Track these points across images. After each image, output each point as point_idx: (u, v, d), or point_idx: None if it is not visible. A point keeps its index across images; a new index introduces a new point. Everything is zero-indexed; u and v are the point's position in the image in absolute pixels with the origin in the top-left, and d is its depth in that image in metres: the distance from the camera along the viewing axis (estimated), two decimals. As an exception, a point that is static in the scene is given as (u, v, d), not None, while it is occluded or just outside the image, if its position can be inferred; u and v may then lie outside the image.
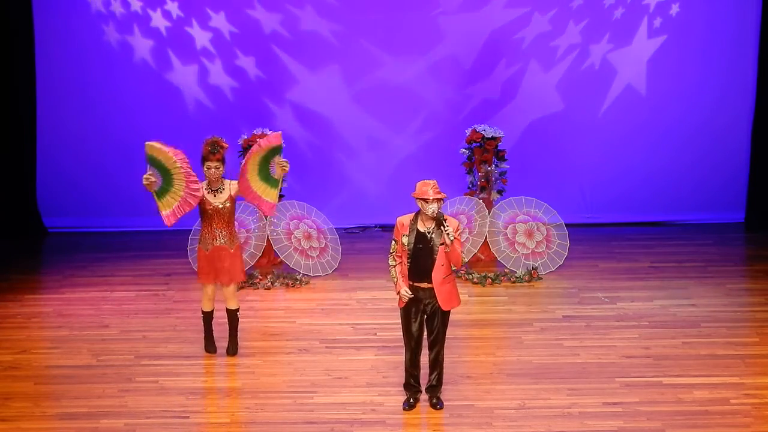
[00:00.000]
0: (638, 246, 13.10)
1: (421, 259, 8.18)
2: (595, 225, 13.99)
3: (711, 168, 14.02)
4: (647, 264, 12.33)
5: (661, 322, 10.35)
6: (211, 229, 9.31)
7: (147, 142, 9.25)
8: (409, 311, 8.30)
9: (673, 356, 9.43)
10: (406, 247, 8.19)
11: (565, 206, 12.87)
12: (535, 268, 11.90)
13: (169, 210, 9.12)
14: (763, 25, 13.55)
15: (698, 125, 13.97)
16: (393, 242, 8.29)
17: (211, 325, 9.65)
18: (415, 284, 8.22)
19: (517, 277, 11.76)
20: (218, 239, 9.32)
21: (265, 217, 12.07)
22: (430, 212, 8.13)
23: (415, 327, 8.32)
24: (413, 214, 8.28)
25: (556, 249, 12.15)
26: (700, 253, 12.78)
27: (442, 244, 8.15)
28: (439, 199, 8.14)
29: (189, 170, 9.12)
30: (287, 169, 9.24)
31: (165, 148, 9.13)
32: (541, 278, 11.83)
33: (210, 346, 9.64)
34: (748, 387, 8.73)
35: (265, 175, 9.27)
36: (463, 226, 12.23)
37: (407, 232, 8.20)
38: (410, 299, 8.25)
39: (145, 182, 9.13)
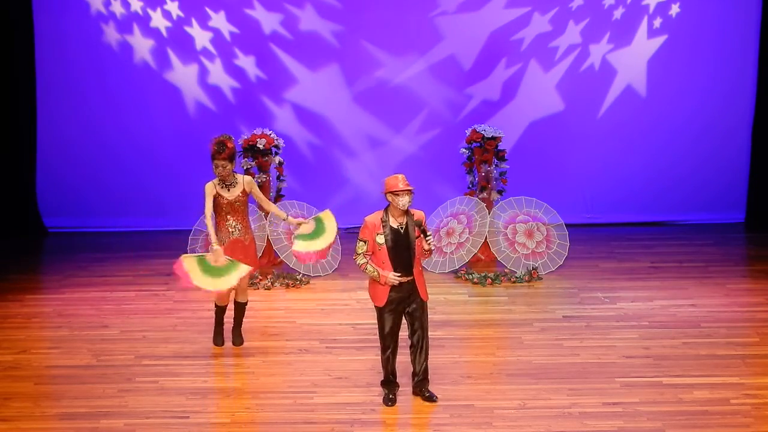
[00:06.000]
0: (638, 246, 13.10)
1: (399, 254, 8.17)
2: (595, 225, 14.00)
3: (711, 168, 14.03)
4: (647, 264, 12.34)
5: (661, 322, 10.34)
6: (225, 223, 9.36)
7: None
8: (390, 309, 8.27)
9: (673, 356, 9.42)
10: (383, 245, 8.16)
11: (565, 206, 12.87)
12: (535, 268, 11.90)
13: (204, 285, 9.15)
14: (764, 25, 13.57)
15: (698, 125, 13.98)
16: (361, 243, 8.20)
17: (223, 318, 9.73)
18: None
19: (517, 277, 11.76)
20: (234, 233, 9.37)
21: (265, 217, 12.08)
22: (401, 205, 8.11)
23: (395, 325, 8.31)
24: (381, 212, 8.24)
25: (556, 249, 12.15)
26: (701, 253, 12.79)
27: (417, 237, 8.16)
28: (409, 191, 8.13)
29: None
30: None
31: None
32: (541, 278, 11.83)
33: (218, 340, 9.74)
34: (748, 387, 8.73)
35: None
36: (463, 226, 12.24)
37: (380, 231, 8.17)
38: (391, 297, 8.23)
39: (214, 253, 9.12)
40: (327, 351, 9.68)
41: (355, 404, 8.50)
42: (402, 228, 8.18)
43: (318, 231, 9.32)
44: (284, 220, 9.57)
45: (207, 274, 9.08)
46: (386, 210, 8.22)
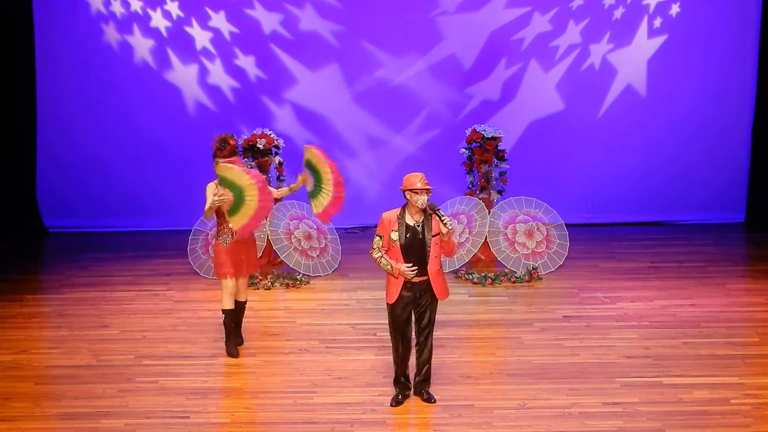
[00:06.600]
0: (638, 246, 13.10)
1: (413, 252, 8.18)
2: (595, 225, 13.99)
3: (711, 168, 14.03)
4: (647, 264, 12.34)
5: (661, 322, 10.34)
6: (227, 223, 9.29)
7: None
8: (400, 308, 8.28)
9: (673, 356, 9.42)
10: (396, 242, 8.17)
11: (565, 206, 12.87)
12: (535, 268, 11.90)
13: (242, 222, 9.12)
14: (764, 25, 13.56)
15: (698, 125, 13.98)
16: (377, 238, 8.24)
17: (232, 326, 9.55)
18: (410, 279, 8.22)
19: (517, 277, 11.76)
20: (235, 233, 9.30)
21: (265, 218, 12.08)
22: (419, 203, 8.14)
23: (405, 324, 8.33)
24: (399, 209, 8.26)
25: (556, 249, 12.15)
26: (700, 253, 12.79)
27: (435, 236, 8.17)
28: (427, 190, 8.16)
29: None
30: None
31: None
32: (541, 278, 11.83)
33: (232, 350, 9.52)
34: (748, 387, 8.73)
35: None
36: (463, 226, 12.24)
37: (395, 228, 8.19)
38: (402, 295, 8.24)
39: (216, 202, 9.07)
40: (327, 351, 9.69)
41: (355, 404, 8.50)
42: (419, 226, 8.19)
43: (318, 177, 9.25)
44: (292, 191, 9.55)
45: (243, 207, 8.97)
46: (404, 207, 8.24)
